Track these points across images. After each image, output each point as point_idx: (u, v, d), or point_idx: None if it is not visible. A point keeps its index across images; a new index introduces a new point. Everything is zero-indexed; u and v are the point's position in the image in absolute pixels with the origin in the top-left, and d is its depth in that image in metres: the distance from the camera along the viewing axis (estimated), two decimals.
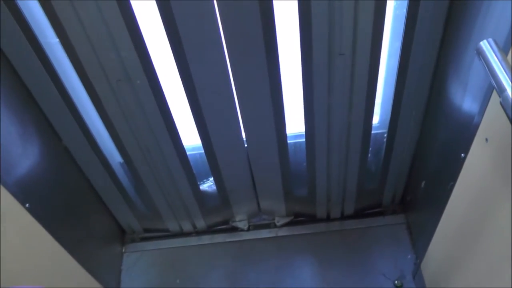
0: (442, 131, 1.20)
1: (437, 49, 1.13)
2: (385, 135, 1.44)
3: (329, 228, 1.79)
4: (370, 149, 1.47)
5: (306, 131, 1.36)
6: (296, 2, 1.01)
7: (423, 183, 1.43)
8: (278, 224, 1.81)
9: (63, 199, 1.33)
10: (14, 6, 0.98)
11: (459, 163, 1.04)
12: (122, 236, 1.83)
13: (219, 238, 1.83)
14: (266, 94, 1.22)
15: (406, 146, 1.44)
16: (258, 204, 1.78)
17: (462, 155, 1.02)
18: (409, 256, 1.66)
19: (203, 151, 1.44)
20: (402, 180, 1.62)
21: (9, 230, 1.04)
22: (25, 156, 1.14)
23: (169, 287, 1.71)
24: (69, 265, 1.33)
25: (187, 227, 1.78)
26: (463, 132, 1.00)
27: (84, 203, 1.49)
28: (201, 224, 1.77)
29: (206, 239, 1.82)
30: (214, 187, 1.65)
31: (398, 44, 1.15)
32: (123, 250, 1.82)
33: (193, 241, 1.82)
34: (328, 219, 1.77)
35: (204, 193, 1.65)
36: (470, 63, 0.96)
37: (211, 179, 1.63)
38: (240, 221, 1.82)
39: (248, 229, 1.82)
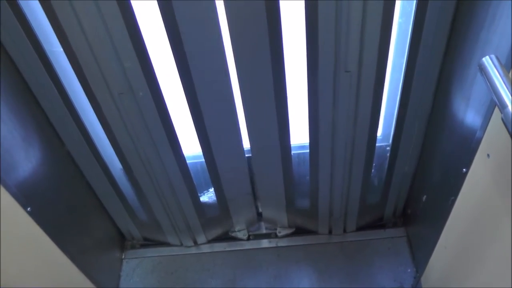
0: (444, 145, 1.21)
1: (440, 64, 1.13)
2: (388, 148, 1.44)
3: (329, 240, 1.78)
4: (374, 164, 1.47)
5: (310, 144, 1.37)
6: (304, 17, 1.02)
7: (424, 197, 1.43)
8: (279, 234, 1.80)
9: (64, 204, 1.34)
10: (20, 12, 0.99)
11: (461, 178, 1.04)
12: (122, 242, 1.83)
13: (219, 247, 1.82)
14: (271, 104, 1.22)
15: (408, 159, 1.44)
16: (258, 213, 1.78)
17: (464, 170, 1.02)
18: (409, 270, 1.66)
19: (203, 160, 1.44)
20: (404, 193, 1.62)
21: (9, 234, 1.04)
22: (27, 160, 1.15)
23: None
24: (68, 270, 1.33)
25: (186, 240, 1.77)
26: (465, 147, 1.00)
27: (85, 208, 1.49)
28: (201, 237, 1.77)
29: (206, 248, 1.82)
30: (214, 198, 1.65)
31: (402, 60, 1.15)
32: (123, 256, 1.81)
33: (193, 249, 1.82)
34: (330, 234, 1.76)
35: (204, 204, 1.65)
36: (473, 78, 0.96)
37: (211, 189, 1.63)
38: (239, 231, 1.82)
39: (248, 239, 1.82)
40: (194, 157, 1.51)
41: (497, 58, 0.68)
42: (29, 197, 1.11)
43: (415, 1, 1.01)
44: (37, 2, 0.96)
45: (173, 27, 1.02)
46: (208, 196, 1.67)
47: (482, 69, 0.68)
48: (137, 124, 1.23)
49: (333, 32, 1.01)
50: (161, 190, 1.48)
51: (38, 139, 1.20)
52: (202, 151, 1.40)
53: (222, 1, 0.97)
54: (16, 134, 1.09)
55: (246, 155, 1.46)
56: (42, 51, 1.07)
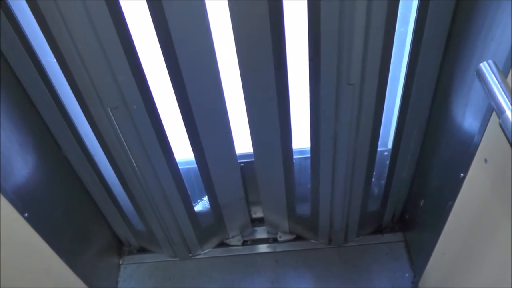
0: (442, 150, 1.21)
1: (438, 71, 1.14)
2: (386, 153, 1.44)
3: (327, 245, 1.78)
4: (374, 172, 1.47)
5: (311, 152, 1.37)
6: (307, 29, 1.02)
7: (422, 202, 1.43)
8: (280, 239, 1.81)
9: (61, 209, 1.33)
10: (15, 21, 0.99)
11: (459, 182, 1.04)
12: (120, 247, 1.82)
13: (217, 252, 1.82)
14: (274, 109, 1.23)
15: (407, 165, 1.45)
16: (251, 218, 1.80)
17: (462, 174, 1.02)
18: (407, 275, 1.66)
19: (196, 166, 1.44)
20: (402, 198, 1.62)
21: (7, 239, 1.04)
22: (24, 166, 1.15)
23: None
24: (65, 276, 1.32)
25: (181, 252, 1.75)
26: (463, 152, 1.01)
27: (82, 214, 1.49)
28: (196, 249, 1.77)
29: (203, 253, 1.82)
30: (208, 206, 1.66)
31: (401, 67, 1.16)
32: (120, 262, 1.81)
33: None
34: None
35: (198, 214, 1.65)
36: (471, 83, 0.97)
37: (205, 198, 1.64)
38: (233, 237, 1.82)
39: (244, 244, 1.82)
40: (187, 163, 1.51)
41: (495, 63, 0.68)
42: (27, 203, 1.10)
43: (415, 10, 1.02)
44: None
45: (165, 35, 1.02)
46: (202, 205, 1.68)
47: (480, 75, 0.68)
48: (131, 137, 1.22)
49: (336, 44, 1.00)
50: (155, 202, 1.47)
51: (36, 145, 1.20)
52: (195, 157, 1.40)
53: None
54: (14, 140, 1.09)
55: (248, 160, 1.49)
56: (37, 60, 1.07)
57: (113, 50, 1.00)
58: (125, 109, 1.13)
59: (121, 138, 1.21)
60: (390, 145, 1.40)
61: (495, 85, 0.65)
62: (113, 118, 1.15)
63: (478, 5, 0.91)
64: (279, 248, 1.80)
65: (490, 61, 0.68)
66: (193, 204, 1.61)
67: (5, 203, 1.01)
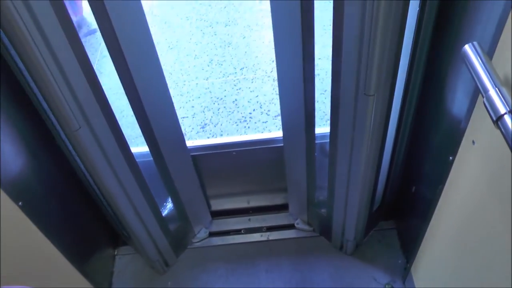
0: (432, 135, 1.22)
1: (427, 56, 1.15)
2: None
3: (314, 233, 1.80)
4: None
5: (330, 148, 1.39)
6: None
7: (413, 188, 1.45)
8: (297, 226, 1.83)
9: (57, 199, 1.34)
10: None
11: (448, 166, 1.06)
12: (115, 238, 1.83)
13: (211, 241, 1.83)
14: (301, 100, 1.30)
15: (398, 154, 1.46)
16: (210, 211, 1.87)
17: (450, 158, 1.03)
18: (399, 261, 1.68)
19: (154, 163, 1.47)
20: (395, 187, 1.64)
21: (2, 228, 1.05)
22: (19, 155, 1.15)
23: None
24: (60, 265, 1.33)
25: (159, 266, 1.74)
26: (452, 135, 1.02)
27: (77, 204, 1.49)
28: (171, 257, 1.77)
29: (197, 243, 1.83)
30: (172, 207, 1.69)
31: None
32: (115, 253, 1.82)
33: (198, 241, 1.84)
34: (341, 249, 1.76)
35: (166, 218, 1.66)
36: (459, 67, 0.98)
37: (168, 199, 1.67)
38: (199, 232, 1.85)
39: (238, 233, 1.84)
40: (146, 164, 1.51)
41: (480, 44, 0.69)
42: (21, 191, 1.11)
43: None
44: None
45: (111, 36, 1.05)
46: (167, 209, 1.71)
47: (465, 56, 0.70)
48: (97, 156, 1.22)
49: (356, 53, 1.01)
50: (128, 217, 1.46)
51: (31, 134, 1.20)
52: (151, 153, 1.42)
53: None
54: (7, 129, 1.09)
55: (199, 153, 1.62)
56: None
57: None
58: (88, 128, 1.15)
59: (87, 157, 1.22)
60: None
61: (480, 65, 0.67)
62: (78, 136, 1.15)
63: None
64: (272, 236, 1.82)
65: (475, 42, 0.70)
66: (161, 210, 1.63)
67: None
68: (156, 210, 1.54)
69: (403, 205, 1.63)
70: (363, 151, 1.23)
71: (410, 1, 0.99)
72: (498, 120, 0.62)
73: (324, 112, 2.35)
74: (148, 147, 1.38)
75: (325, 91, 2.47)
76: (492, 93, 0.63)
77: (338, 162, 1.36)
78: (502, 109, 0.61)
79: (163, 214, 1.64)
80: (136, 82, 1.17)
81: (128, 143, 1.31)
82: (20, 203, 1.10)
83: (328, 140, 1.36)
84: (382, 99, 1.10)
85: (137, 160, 1.37)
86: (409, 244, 1.60)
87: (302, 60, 1.19)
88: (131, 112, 1.25)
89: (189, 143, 1.61)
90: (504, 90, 0.63)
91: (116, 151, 1.25)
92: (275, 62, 1.27)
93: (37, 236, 1.19)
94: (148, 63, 1.18)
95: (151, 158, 1.43)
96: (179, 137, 1.46)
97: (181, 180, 1.57)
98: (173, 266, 1.77)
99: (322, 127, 1.53)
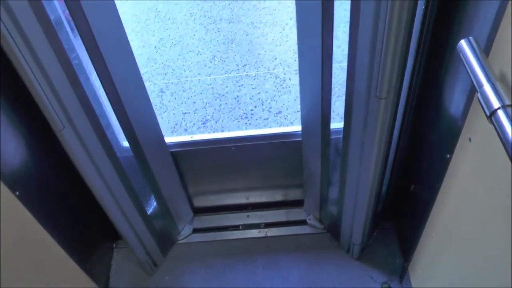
0: (430, 133, 1.22)
1: (426, 53, 1.15)
2: None
3: (318, 230, 1.80)
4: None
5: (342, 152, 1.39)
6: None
7: (412, 187, 1.45)
8: (309, 222, 1.83)
9: (55, 191, 1.35)
10: None
11: (445, 164, 1.06)
12: (113, 231, 1.83)
13: (209, 236, 1.84)
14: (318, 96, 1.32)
15: (400, 153, 1.46)
16: (192, 207, 1.88)
17: (448, 155, 1.03)
18: (397, 260, 1.67)
19: (136, 162, 1.48)
20: (394, 186, 1.63)
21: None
22: (18, 145, 1.15)
23: (157, 285, 1.71)
24: (58, 257, 1.33)
25: (148, 268, 1.74)
26: (449, 133, 1.02)
27: (76, 196, 1.49)
28: (158, 257, 1.76)
29: (196, 237, 1.83)
30: (154, 204, 1.69)
31: None
32: (114, 246, 1.82)
33: (183, 239, 1.83)
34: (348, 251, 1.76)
35: (151, 216, 1.66)
36: (457, 65, 0.98)
37: (151, 197, 1.68)
38: (183, 229, 1.86)
39: (236, 229, 1.84)
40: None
41: (475, 39, 0.69)
42: (18, 181, 1.11)
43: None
44: None
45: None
46: (151, 207, 1.70)
47: (461, 51, 0.70)
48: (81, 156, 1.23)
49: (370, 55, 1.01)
50: (114, 216, 1.48)
51: (30, 125, 1.20)
52: (132, 149, 1.42)
53: None
54: (5, 119, 1.09)
55: (177, 149, 1.63)
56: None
57: None
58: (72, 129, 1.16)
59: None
60: None
61: (475, 60, 0.66)
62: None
63: None
64: (270, 233, 1.82)
65: (471, 38, 0.69)
66: (146, 209, 1.63)
67: None
68: (141, 209, 1.55)
69: (402, 204, 1.62)
70: (373, 153, 1.23)
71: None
72: (491, 115, 0.61)
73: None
74: (129, 143, 1.40)
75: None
76: (487, 87, 0.63)
77: (349, 161, 1.35)
78: (496, 104, 0.61)
79: (148, 213, 1.64)
80: (113, 77, 1.19)
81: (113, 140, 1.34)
82: (17, 193, 1.10)
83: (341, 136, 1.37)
84: (392, 102, 1.10)
85: (120, 155, 1.39)
86: (407, 243, 1.59)
87: (321, 57, 1.21)
88: None
89: (197, 137, 1.65)
90: (498, 85, 0.62)
91: (100, 150, 1.26)
92: (297, 59, 1.29)
93: (33, 226, 1.20)
94: (124, 60, 1.20)
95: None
96: (157, 133, 1.49)
97: (163, 177, 1.58)
98: (161, 265, 1.77)
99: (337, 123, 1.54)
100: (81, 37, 1.08)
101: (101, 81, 1.19)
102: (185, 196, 1.80)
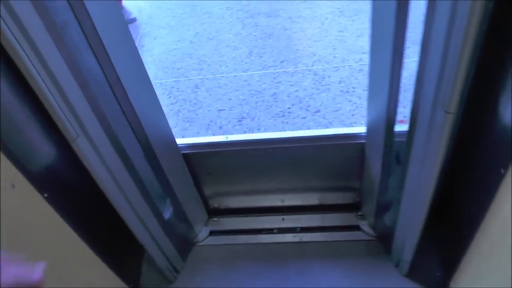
0: (483, 147, 1.13)
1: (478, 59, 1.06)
2: None
3: (356, 237, 1.73)
4: None
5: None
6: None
7: (457, 197, 1.36)
8: (362, 227, 1.76)
9: (83, 193, 1.32)
10: None
11: (498, 179, 0.97)
12: None
13: (240, 239, 1.79)
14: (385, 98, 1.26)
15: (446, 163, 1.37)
16: (208, 209, 1.85)
17: (502, 171, 0.95)
18: (438, 273, 1.58)
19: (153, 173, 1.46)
20: (436, 197, 1.54)
21: (27, 219, 1.03)
22: (47, 146, 1.13)
23: (187, 285, 1.69)
24: (89, 259, 1.32)
25: (169, 274, 1.70)
26: (504, 148, 0.93)
27: (104, 199, 1.47)
28: (178, 262, 1.72)
29: (226, 240, 1.79)
30: (171, 209, 1.63)
31: None
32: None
33: (214, 240, 1.80)
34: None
35: (169, 222, 1.61)
36: None
37: (167, 201, 1.62)
38: (200, 232, 1.82)
39: (270, 232, 1.79)
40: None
41: None
42: (47, 183, 1.09)
43: None
44: None
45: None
46: (168, 211, 1.64)
47: None
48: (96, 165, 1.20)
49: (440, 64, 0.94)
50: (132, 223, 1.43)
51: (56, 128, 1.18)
52: (145, 155, 1.39)
53: None
54: (34, 120, 1.07)
55: (190, 151, 1.61)
56: None
57: None
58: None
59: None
60: None
61: None
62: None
63: None
64: (305, 238, 1.76)
65: None
66: (162, 213, 1.59)
67: (25, 182, 1.01)
68: (158, 215, 1.51)
69: (446, 214, 1.53)
70: (434, 168, 1.15)
71: None
72: None
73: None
74: (141, 147, 1.37)
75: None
76: None
77: (409, 172, 1.29)
78: None
79: (166, 218, 1.60)
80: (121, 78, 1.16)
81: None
82: (45, 195, 1.08)
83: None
84: (457, 116, 1.02)
85: (135, 161, 1.35)
86: (450, 257, 1.50)
87: (392, 57, 1.14)
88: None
89: (232, 137, 1.60)
90: None
91: (115, 158, 1.22)
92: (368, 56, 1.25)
93: (64, 230, 1.18)
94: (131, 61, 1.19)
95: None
96: (169, 136, 1.47)
97: (177, 180, 1.55)
98: (182, 270, 1.74)
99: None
100: (86, 39, 1.05)
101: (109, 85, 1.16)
102: (199, 197, 1.77)
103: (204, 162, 1.69)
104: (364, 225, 1.75)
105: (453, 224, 1.46)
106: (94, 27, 1.02)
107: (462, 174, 1.31)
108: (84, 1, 0.97)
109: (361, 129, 1.54)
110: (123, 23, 1.12)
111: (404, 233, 1.47)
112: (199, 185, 1.77)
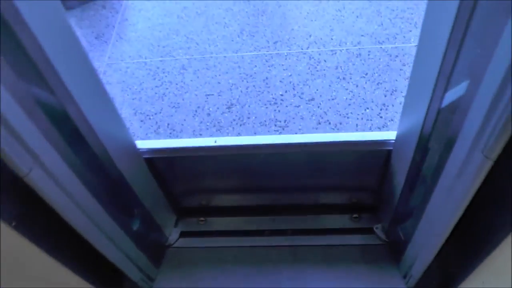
0: (501, 176, 1.02)
1: None
2: None
3: (351, 242, 1.65)
4: None
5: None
6: None
7: (473, 224, 1.26)
8: (375, 230, 1.69)
9: (54, 215, 1.21)
10: None
11: None
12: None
13: (231, 241, 1.71)
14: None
15: None
16: (175, 209, 1.77)
17: None
18: None
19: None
20: None
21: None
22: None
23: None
24: (68, 279, 1.21)
25: (143, 283, 1.60)
26: None
27: None
28: (152, 270, 1.63)
29: (219, 242, 1.70)
30: (139, 218, 1.53)
31: None
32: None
33: (205, 242, 1.71)
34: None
35: (138, 232, 1.50)
36: None
37: (135, 211, 1.52)
38: (170, 235, 1.75)
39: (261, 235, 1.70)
40: None
41: None
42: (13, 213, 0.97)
43: None
44: None
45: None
46: (136, 222, 1.53)
47: None
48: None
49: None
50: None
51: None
52: (109, 173, 1.28)
53: None
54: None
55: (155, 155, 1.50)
56: None
57: None
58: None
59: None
60: None
61: None
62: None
63: None
64: (297, 241, 1.67)
65: None
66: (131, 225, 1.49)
67: None
68: (126, 228, 1.40)
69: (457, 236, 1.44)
70: (460, 202, 1.05)
71: None
72: None
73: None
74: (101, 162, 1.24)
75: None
76: None
77: (433, 195, 1.18)
78: None
79: (134, 229, 1.49)
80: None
81: None
82: (13, 224, 0.96)
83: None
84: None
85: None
86: (452, 279, 1.43)
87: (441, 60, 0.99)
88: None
89: (221, 141, 1.46)
90: None
91: (75, 183, 1.09)
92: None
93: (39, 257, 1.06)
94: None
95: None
96: (129, 141, 1.36)
97: (142, 188, 1.45)
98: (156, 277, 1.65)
99: None
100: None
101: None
102: (165, 199, 1.68)
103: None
104: (378, 227, 1.68)
105: (460, 249, 1.38)
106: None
107: (481, 206, 1.21)
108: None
109: (355, 135, 1.43)
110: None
111: (417, 252, 1.39)
112: (166, 185, 1.67)
